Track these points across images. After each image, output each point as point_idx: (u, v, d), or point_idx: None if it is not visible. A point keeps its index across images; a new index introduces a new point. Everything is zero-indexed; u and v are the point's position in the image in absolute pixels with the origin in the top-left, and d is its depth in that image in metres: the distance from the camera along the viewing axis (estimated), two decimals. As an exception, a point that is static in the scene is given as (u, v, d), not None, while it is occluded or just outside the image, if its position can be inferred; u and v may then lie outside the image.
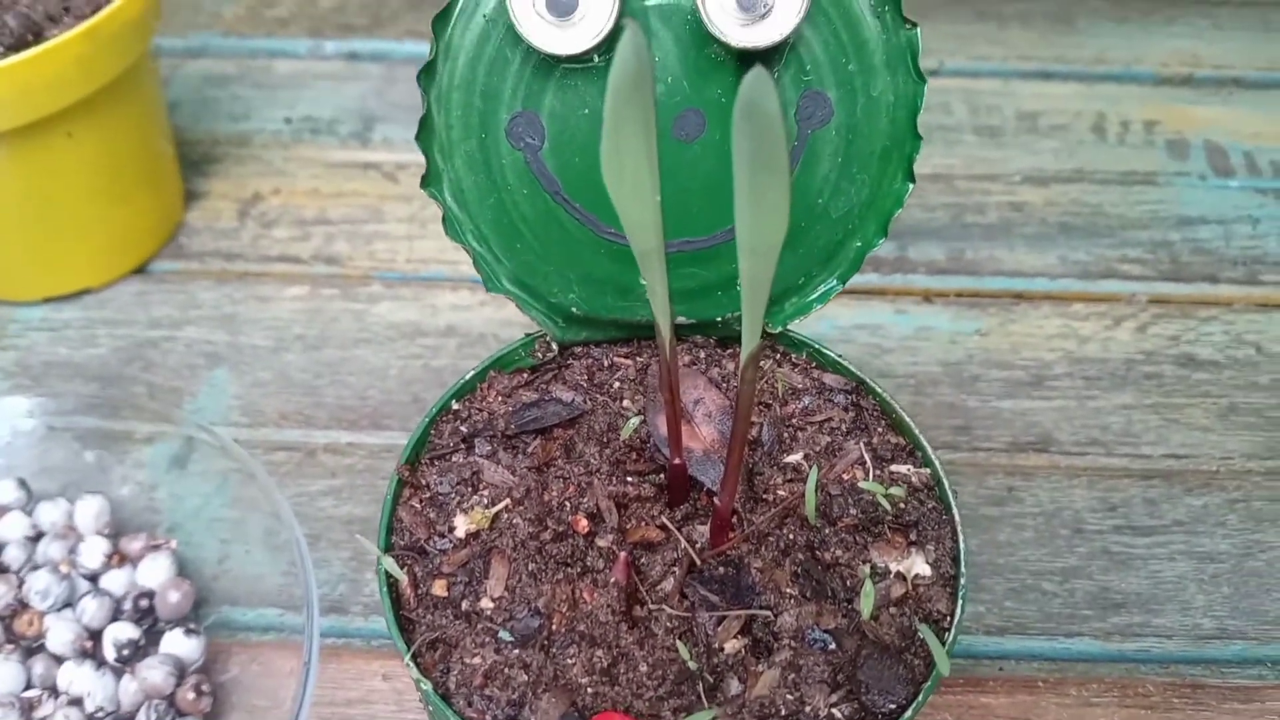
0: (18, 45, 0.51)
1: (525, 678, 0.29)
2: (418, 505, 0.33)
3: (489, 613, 0.30)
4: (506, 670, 0.29)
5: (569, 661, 0.29)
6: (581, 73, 0.33)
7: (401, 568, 0.31)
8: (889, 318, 0.57)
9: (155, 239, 0.60)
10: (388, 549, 0.32)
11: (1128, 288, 0.58)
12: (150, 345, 0.56)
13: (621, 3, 0.31)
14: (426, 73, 0.33)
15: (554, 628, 0.30)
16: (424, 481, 0.34)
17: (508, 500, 0.32)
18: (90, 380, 0.54)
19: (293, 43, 0.72)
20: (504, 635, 0.30)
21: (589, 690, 0.29)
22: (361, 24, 0.74)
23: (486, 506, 0.32)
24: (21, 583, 0.44)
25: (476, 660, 0.29)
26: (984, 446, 0.52)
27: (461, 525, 0.32)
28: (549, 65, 0.33)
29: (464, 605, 0.30)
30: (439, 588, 0.31)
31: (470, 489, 0.33)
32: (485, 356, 0.37)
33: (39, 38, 0.51)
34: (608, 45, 0.32)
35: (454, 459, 0.34)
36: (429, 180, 0.34)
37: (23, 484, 0.47)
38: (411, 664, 0.29)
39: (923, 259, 0.60)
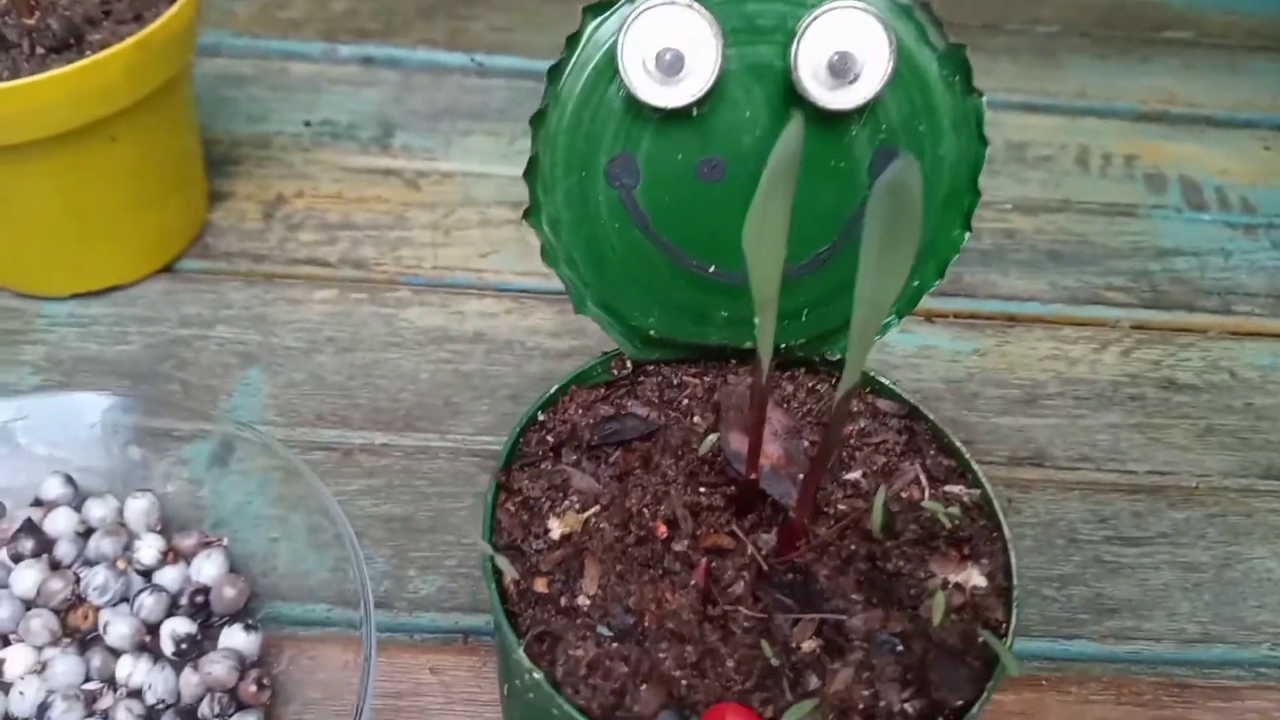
0: (59, 48, 0.52)
1: (625, 669, 0.31)
2: (513, 508, 0.35)
3: (586, 609, 0.33)
4: (608, 662, 0.32)
5: (661, 655, 0.32)
6: (678, 123, 0.35)
7: (510, 566, 0.33)
8: (894, 336, 0.60)
9: (183, 238, 0.61)
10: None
11: (1112, 314, 0.62)
12: (182, 344, 0.57)
13: (724, 63, 0.34)
14: (538, 118, 0.36)
15: (645, 625, 0.33)
16: (517, 486, 0.36)
17: (596, 506, 0.35)
18: (123, 377, 0.55)
19: (306, 45, 0.73)
20: (602, 630, 0.32)
21: (683, 682, 0.31)
22: (375, 29, 0.76)
23: (578, 511, 0.35)
24: (78, 578, 0.45)
25: (579, 653, 0.32)
26: (985, 460, 0.55)
27: (555, 527, 0.35)
28: (648, 114, 0.36)
29: (563, 601, 0.33)
30: (540, 585, 0.33)
31: (560, 494, 0.36)
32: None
33: (80, 41, 0.52)
34: (705, 99, 0.35)
35: (543, 466, 0.37)
36: (531, 213, 0.37)
37: (69, 480, 0.48)
38: (523, 654, 0.31)
39: (924, 281, 0.63)
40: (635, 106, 0.35)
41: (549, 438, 0.37)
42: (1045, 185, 0.69)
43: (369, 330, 0.58)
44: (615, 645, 0.32)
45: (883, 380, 0.40)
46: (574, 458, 0.37)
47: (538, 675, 0.31)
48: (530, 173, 0.37)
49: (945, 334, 0.61)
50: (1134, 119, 0.74)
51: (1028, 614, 0.50)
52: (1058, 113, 0.74)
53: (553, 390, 0.38)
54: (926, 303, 0.63)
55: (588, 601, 0.33)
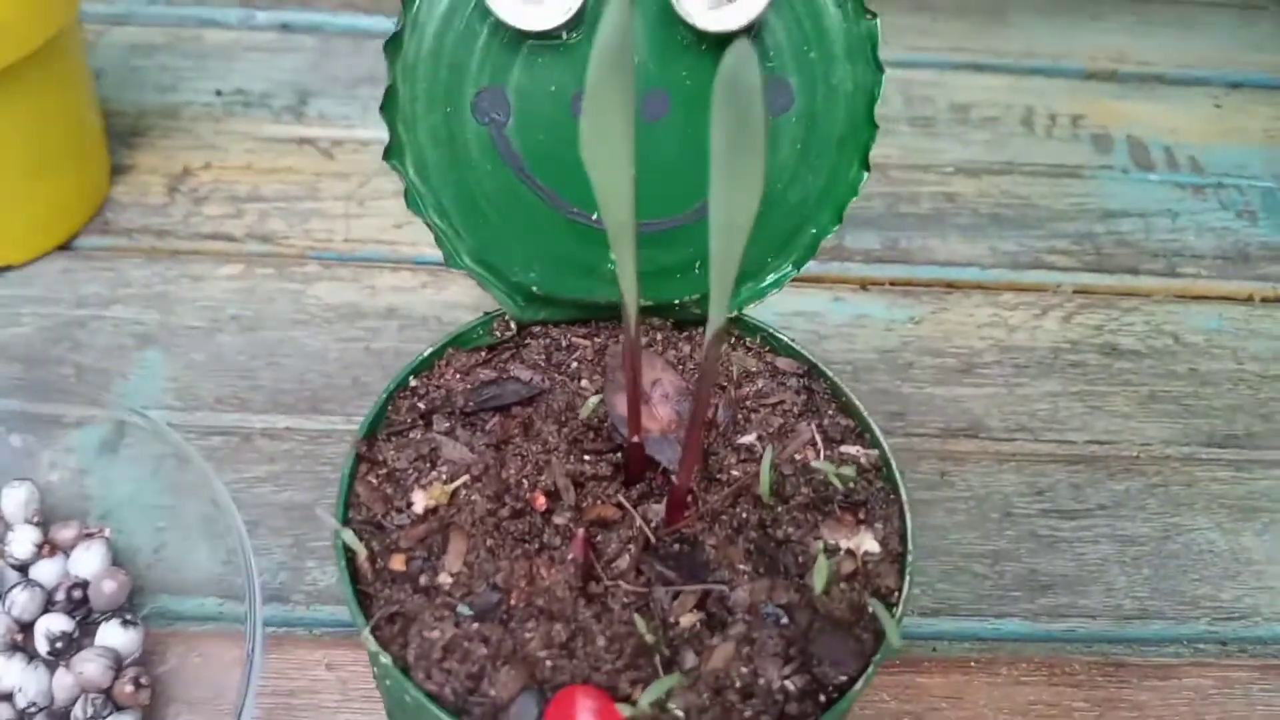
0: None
1: (484, 651, 0.29)
2: (375, 481, 0.33)
3: (448, 587, 0.30)
4: (466, 644, 0.29)
5: (527, 635, 0.29)
6: (549, 50, 0.33)
7: (359, 543, 0.31)
8: (826, 305, 0.58)
9: (80, 214, 0.58)
10: (344, 524, 0.32)
11: (1054, 278, 0.60)
12: (78, 325, 0.54)
13: (591, -19, 0.31)
14: (392, 44, 0.33)
15: (512, 602, 0.30)
16: (381, 457, 0.33)
17: (466, 477, 0.32)
18: (14, 361, 0.52)
19: (223, 11, 0.71)
20: (463, 610, 0.30)
21: (548, 663, 0.29)
22: (295, -4, 0.73)
23: (445, 482, 0.32)
24: (-55, 574, 0.43)
25: (435, 634, 0.29)
26: (918, 432, 0.53)
27: (420, 501, 0.32)
28: (516, 41, 0.33)
29: (422, 580, 0.30)
30: (397, 562, 0.31)
31: (428, 465, 0.33)
32: (433, 337, 0.37)
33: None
34: (576, 23, 0.32)
35: (412, 435, 0.34)
36: (392, 152, 0.34)
37: (-57, 470, 0.45)
38: (370, 637, 0.29)
39: (859, 248, 0.61)
40: (502, 31, 0.32)
41: (420, 404, 0.35)
42: (989, 147, 0.67)
43: (275, 307, 0.55)
44: (476, 625, 0.29)
45: (780, 336, 0.37)
46: (446, 425, 0.34)
47: (385, 659, 0.28)
48: (388, 106, 0.34)
49: (880, 302, 0.58)
50: (1082, 78, 0.72)
51: (957, 593, 0.47)
52: (1004, 72, 0.72)
53: (426, 353, 0.36)
54: (861, 270, 0.61)
55: (450, 579, 0.30)
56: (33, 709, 0.40)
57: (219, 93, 0.66)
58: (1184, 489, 0.52)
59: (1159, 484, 0.52)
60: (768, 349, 0.38)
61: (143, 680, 0.41)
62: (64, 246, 0.57)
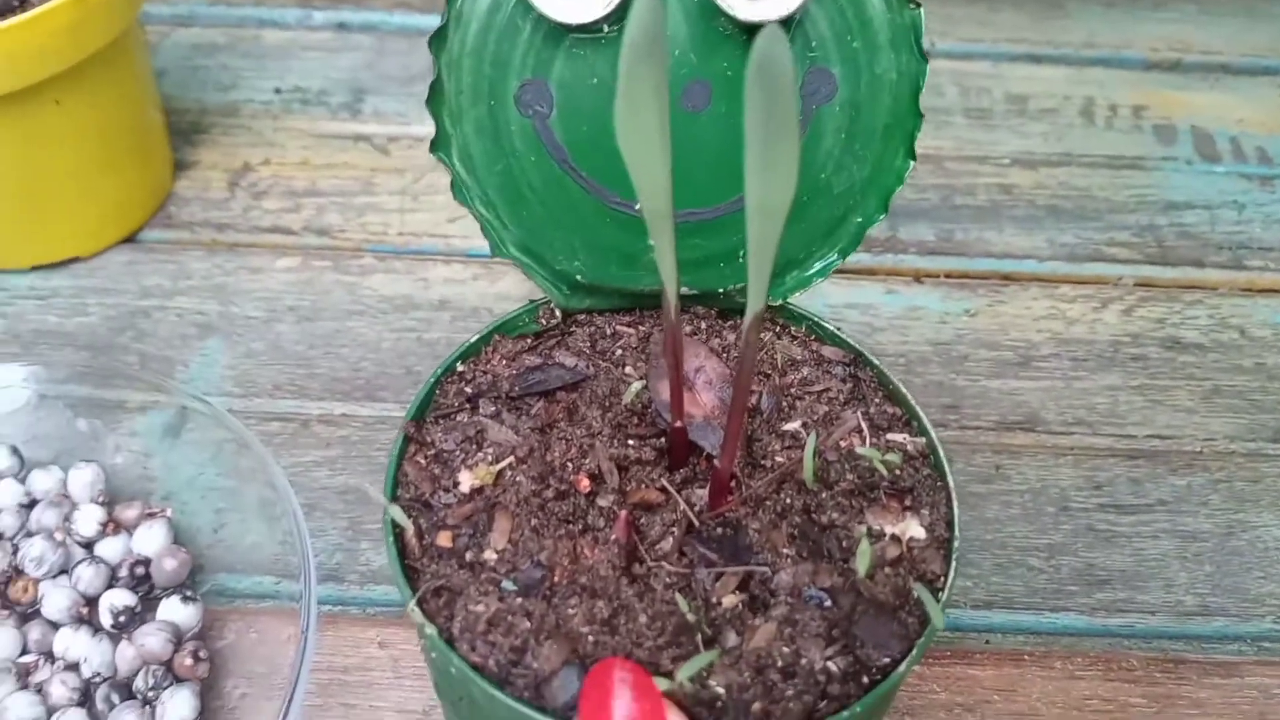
0: (3, 12, 0.51)
1: (528, 625, 0.29)
2: (423, 461, 0.33)
3: (492, 563, 0.31)
4: (509, 618, 0.29)
5: (570, 611, 0.30)
6: (591, 43, 0.33)
7: (407, 519, 0.31)
8: (880, 297, 0.57)
9: (144, 209, 0.59)
10: (393, 501, 0.32)
11: (1114, 271, 0.59)
12: (141, 315, 0.55)
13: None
14: (438, 38, 0.33)
15: (556, 580, 0.30)
16: (429, 439, 0.34)
17: (511, 458, 0.33)
18: (81, 349, 0.54)
19: (281, 12, 0.72)
20: (507, 585, 0.30)
21: (590, 639, 0.29)
22: (352, -4, 0.74)
23: (491, 464, 0.33)
24: (16, 549, 0.44)
25: (480, 608, 0.29)
26: (972, 425, 0.52)
27: (466, 481, 0.32)
28: (559, 34, 0.33)
29: (468, 556, 0.31)
30: (444, 539, 0.31)
31: (475, 447, 0.33)
32: (483, 328, 0.37)
33: (24, 5, 0.51)
34: (617, 16, 0.32)
35: (459, 418, 0.34)
36: (438, 144, 0.35)
37: (15, 451, 0.47)
38: (416, 609, 0.29)
39: (913, 239, 0.60)
40: (544, 25, 0.33)
41: (467, 389, 0.35)
42: (1047, 139, 0.66)
43: (331, 299, 0.56)
44: (519, 600, 0.30)
45: (826, 324, 0.37)
46: (492, 409, 0.34)
47: (430, 631, 0.29)
48: (434, 100, 0.34)
49: (934, 295, 0.58)
50: (1144, 69, 0.70)
51: (1012, 586, 0.47)
52: (1063, 63, 0.70)
53: (473, 339, 0.36)
54: (916, 262, 0.60)
55: (495, 556, 0.31)
56: (97, 679, 0.41)
57: (278, 91, 0.67)
58: (1249, 485, 0.50)
59: (1222, 480, 0.50)
60: (813, 337, 0.38)
61: (201, 654, 0.42)
62: (129, 239, 0.59)
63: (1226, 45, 0.72)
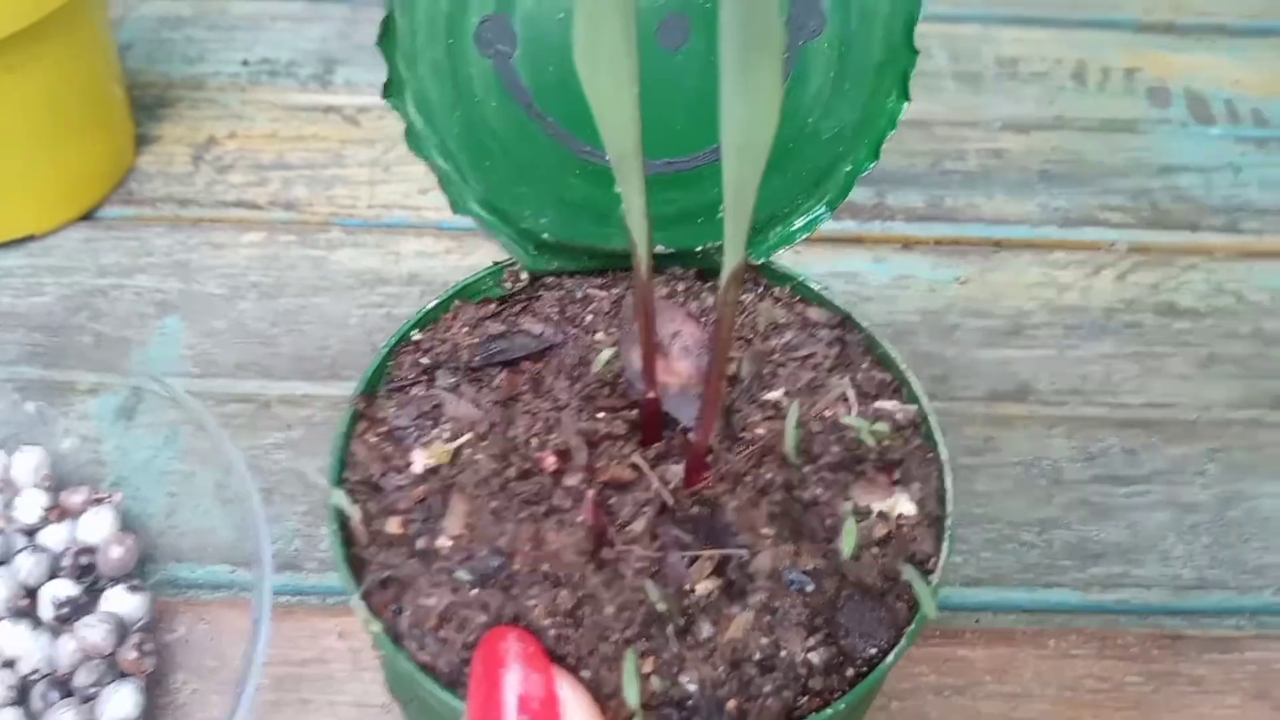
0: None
1: (484, 619, 0.27)
2: (373, 440, 0.31)
3: (446, 551, 0.28)
4: (464, 612, 0.27)
5: (530, 603, 0.27)
6: (556, -28, 0.30)
7: (355, 504, 0.29)
8: (867, 265, 0.55)
9: (104, 184, 0.57)
10: (339, 484, 0.30)
11: (1108, 235, 0.57)
12: (99, 294, 0.53)
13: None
14: None
15: (516, 568, 0.28)
16: (380, 415, 0.32)
17: (470, 435, 0.31)
18: (34, 330, 0.52)
19: (250, -17, 0.69)
20: (462, 575, 0.28)
21: (551, 632, 0.27)
22: (321, -36, 0.71)
23: (447, 441, 0.30)
24: (-51, 539, 0.42)
25: (431, 601, 0.27)
26: (962, 396, 0.50)
27: (420, 460, 0.30)
28: (522, -38, 0.30)
29: (420, 544, 0.29)
30: (394, 525, 0.29)
31: (431, 423, 0.31)
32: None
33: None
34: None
35: (414, 391, 0.32)
36: (391, 90, 0.32)
37: (-44, 437, 0.45)
38: (361, 604, 0.27)
39: (901, 206, 0.58)
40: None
41: (423, 359, 0.33)
42: (1038, 102, 0.64)
43: (296, 274, 0.54)
44: (475, 592, 0.28)
45: (811, 284, 0.35)
46: (451, 381, 0.32)
47: (375, 628, 0.27)
48: (386, 40, 0.31)
49: (924, 262, 0.56)
50: (1137, 30, 0.68)
51: (1003, 562, 0.45)
52: (1053, 25, 0.68)
53: (430, 306, 0.34)
54: (904, 229, 0.58)
55: (449, 543, 0.29)
56: (35, 675, 0.39)
57: (245, 63, 0.64)
58: (1247, 454, 0.48)
59: (1220, 449, 0.49)
60: (798, 299, 0.35)
61: (147, 647, 0.39)
62: (87, 216, 0.56)
63: (1223, 6, 0.70)
